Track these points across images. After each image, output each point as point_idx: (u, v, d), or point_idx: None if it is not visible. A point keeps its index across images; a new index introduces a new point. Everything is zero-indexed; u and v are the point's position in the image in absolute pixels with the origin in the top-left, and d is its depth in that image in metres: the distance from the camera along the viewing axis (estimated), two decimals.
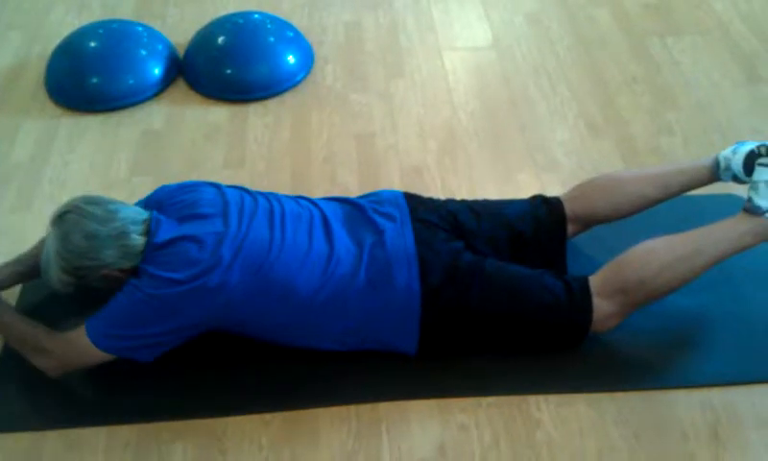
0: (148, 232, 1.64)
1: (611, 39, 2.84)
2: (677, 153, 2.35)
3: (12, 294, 1.95)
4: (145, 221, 1.66)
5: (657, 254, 1.67)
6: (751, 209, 1.66)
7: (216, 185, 1.78)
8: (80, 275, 1.64)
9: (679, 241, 1.68)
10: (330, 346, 1.72)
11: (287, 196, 1.83)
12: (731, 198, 2.04)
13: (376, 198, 1.84)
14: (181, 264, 1.58)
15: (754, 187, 1.67)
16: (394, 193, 1.86)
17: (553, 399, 1.70)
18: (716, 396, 1.70)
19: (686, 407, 1.68)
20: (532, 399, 1.70)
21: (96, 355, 1.64)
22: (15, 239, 2.11)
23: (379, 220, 1.75)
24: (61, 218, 1.63)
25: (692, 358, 1.78)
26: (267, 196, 1.79)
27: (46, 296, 1.91)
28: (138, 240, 1.63)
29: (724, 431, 1.64)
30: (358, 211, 1.80)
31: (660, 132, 2.43)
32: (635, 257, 1.68)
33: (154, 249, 1.62)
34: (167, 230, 1.63)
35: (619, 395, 1.70)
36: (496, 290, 1.68)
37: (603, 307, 1.69)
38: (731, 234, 1.67)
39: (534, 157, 2.35)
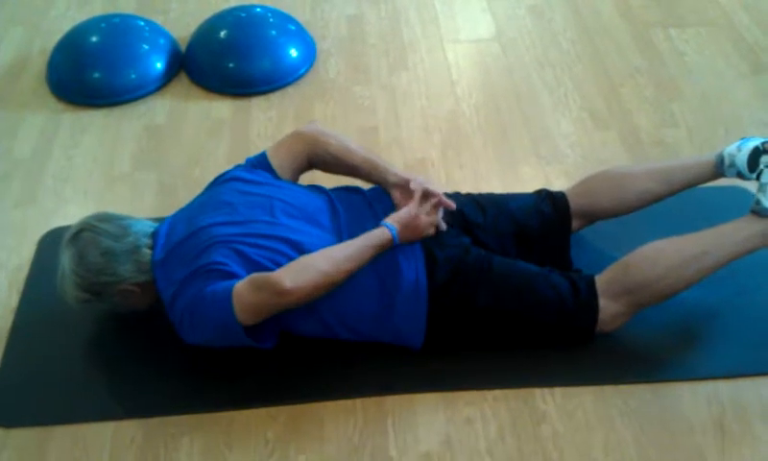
0: (153, 246, 1.68)
1: (614, 31, 2.82)
2: (681, 144, 2.34)
3: (15, 288, 1.96)
4: (152, 235, 1.70)
5: (664, 256, 1.66)
6: (759, 211, 1.66)
7: (235, 177, 1.80)
8: (97, 291, 1.67)
9: (686, 243, 1.68)
10: (338, 333, 1.71)
11: (295, 187, 1.84)
12: (736, 190, 2.03)
13: (382, 191, 1.84)
14: (183, 265, 1.63)
15: (762, 189, 1.66)
16: None
17: (559, 391, 1.70)
18: (722, 388, 1.69)
19: (693, 400, 1.68)
20: (538, 391, 1.70)
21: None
22: (19, 234, 2.12)
23: (384, 214, 1.74)
24: (76, 237, 1.66)
25: (698, 351, 1.78)
26: (276, 185, 1.79)
27: (48, 295, 1.90)
28: (148, 254, 1.67)
29: (730, 424, 1.63)
30: (365, 202, 1.80)
31: (665, 123, 2.42)
32: (641, 259, 1.67)
33: (157, 266, 1.66)
34: (162, 246, 1.68)
35: (625, 388, 1.70)
36: (503, 288, 1.68)
37: (609, 308, 1.68)
38: (738, 236, 1.67)
39: (538, 150, 2.34)
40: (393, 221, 1.67)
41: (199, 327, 1.61)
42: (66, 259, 1.66)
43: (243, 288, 1.53)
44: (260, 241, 1.64)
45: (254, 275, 1.55)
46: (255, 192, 1.75)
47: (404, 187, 1.76)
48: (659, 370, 1.73)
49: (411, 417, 1.67)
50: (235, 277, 1.58)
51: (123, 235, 1.66)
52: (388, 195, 1.81)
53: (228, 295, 1.53)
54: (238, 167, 1.85)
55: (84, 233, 1.66)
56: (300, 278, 1.53)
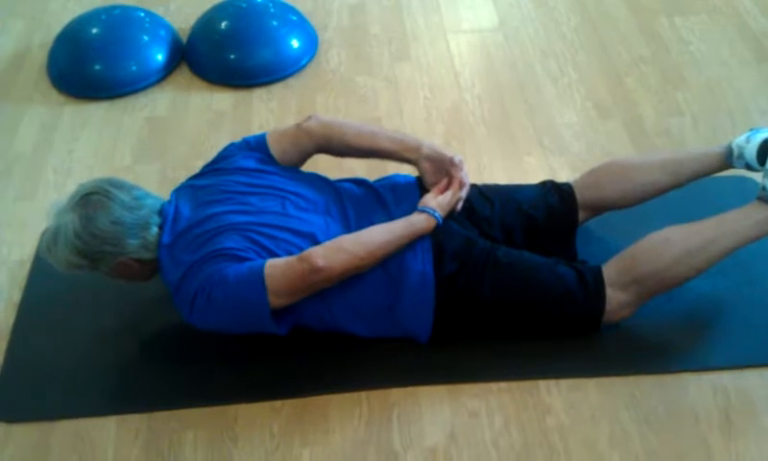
0: (161, 225, 1.64)
1: (618, 20, 2.80)
2: (686, 134, 2.32)
3: (17, 284, 1.95)
4: (160, 213, 1.66)
5: (671, 245, 1.65)
6: (766, 198, 1.64)
7: (242, 167, 1.76)
8: (95, 259, 1.60)
9: (693, 231, 1.66)
10: (346, 327, 1.70)
11: (304, 179, 1.81)
12: (743, 181, 2.02)
13: (390, 182, 1.83)
14: (192, 249, 1.60)
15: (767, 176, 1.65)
16: (406, 178, 1.84)
17: (564, 383, 1.69)
18: (728, 379, 1.69)
19: (698, 391, 1.67)
20: (543, 383, 1.69)
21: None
22: (20, 228, 2.11)
23: (393, 206, 1.74)
24: (87, 198, 1.58)
25: (704, 342, 1.77)
26: (285, 176, 1.77)
27: (51, 290, 1.90)
28: (155, 233, 1.62)
29: (736, 414, 1.63)
30: (372, 195, 1.79)
31: (670, 112, 2.40)
32: (649, 248, 1.66)
33: (163, 249, 1.62)
34: (169, 229, 1.64)
35: (630, 379, 1.69)
36: (509, 279, 1.67)
37: (617, 298, 1.67)
38: (745, 223, 1.65)
39: (542, 140, 2.33)
40: (436, 206, 1.67)
41: (216, 309, 1.56)
42: (71, 220, 1.56)
43: (276, 267, 1.53)
44: (273, 232, 1.63)
45: (286, 257, 1.55)
46: (265, 184, 1.73)
47: (436, 161, 1.74)
48: (664, 361, 1.73)
49: (416, 409, 1.66)
50: (250, 262, 1.56)
51: (136, 207, 1.61)
52: (396, 186, 1.81)
53: (258, 274, 1.51)
54: (236, 148, 1.80)
55: (96, 197, 1.58)
56: (333, 257, 1.54)
